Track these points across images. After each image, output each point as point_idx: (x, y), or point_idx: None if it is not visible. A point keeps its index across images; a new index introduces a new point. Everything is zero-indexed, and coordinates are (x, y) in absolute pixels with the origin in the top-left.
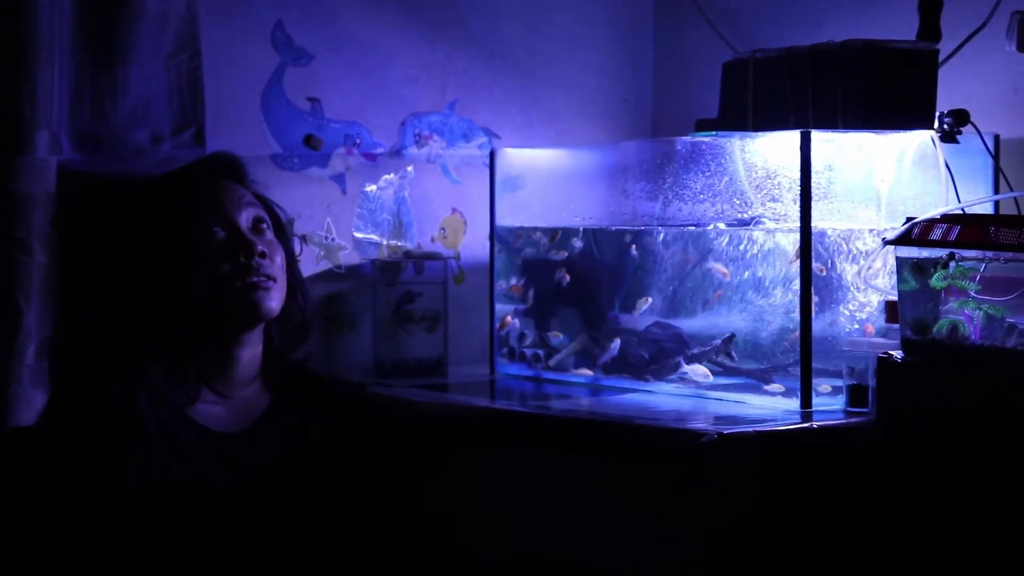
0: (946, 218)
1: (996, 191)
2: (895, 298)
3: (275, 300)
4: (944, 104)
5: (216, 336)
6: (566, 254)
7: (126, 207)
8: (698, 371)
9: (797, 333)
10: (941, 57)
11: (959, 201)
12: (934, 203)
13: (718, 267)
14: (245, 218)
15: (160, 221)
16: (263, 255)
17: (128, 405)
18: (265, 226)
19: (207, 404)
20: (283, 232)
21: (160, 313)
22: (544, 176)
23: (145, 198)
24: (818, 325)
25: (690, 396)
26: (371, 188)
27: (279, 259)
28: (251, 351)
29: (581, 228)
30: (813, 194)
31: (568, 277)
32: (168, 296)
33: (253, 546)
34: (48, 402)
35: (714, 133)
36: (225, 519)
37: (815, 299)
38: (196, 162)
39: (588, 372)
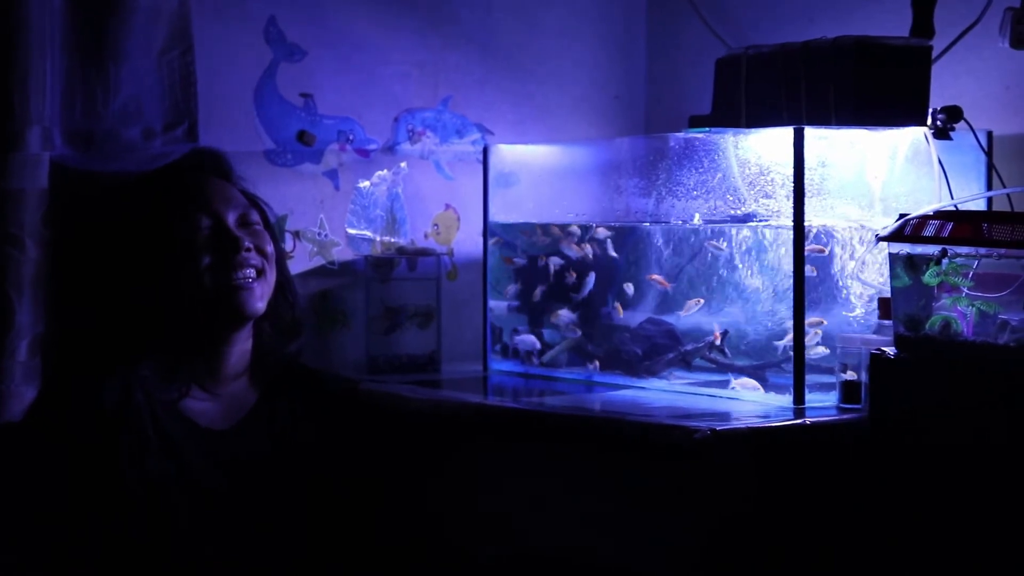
0: (939, 214)
1: (989, 187)
2: (888, 294)
3: (260, 299)
4: (937, 100)
5: (205, 334)
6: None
7: (115, 204)
8: (747, 384)
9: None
10: (934, 53)
11: (952, 197)
12: (927, 199)
13: (657, 278)
14: (233, 214)
15: (147, 218)
16: (250, 249)
17: (125, 401)
18: (253, 220)
19: (196, 400)
20: (272, 229)
21: (150, 310)
22: (537, 172)
23: (132, 195)
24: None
25: (683, 392)
26: (364, 184)
27: (269, 248)
28: (240, 347)
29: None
30: (806, 191)
31: (574, 275)
32: (157, 293)
33: (244, 542)
34: (36, 398)
35: (707, 129)
36: (216, 515)
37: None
38: (183, 158)
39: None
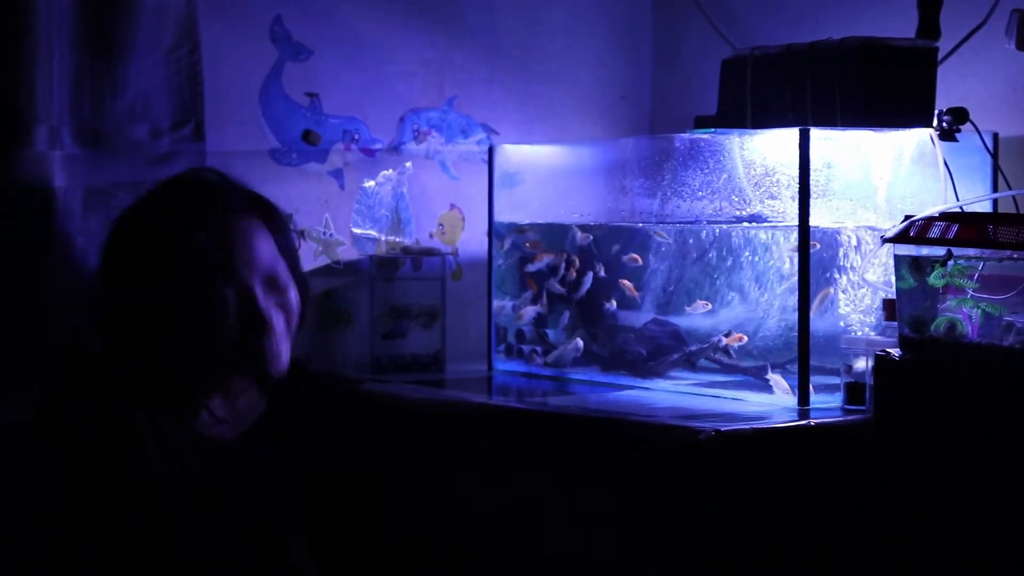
0: (944, 216)
1: (995, 189)
2: (893, 296)
3: (286, 355)
4: (943, 102)
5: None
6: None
7: (125, 230)
8: (780, 383)
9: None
10: (940, 55)
11: (957, 199)
12: (933, 201)
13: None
14: (259, 279)
15: (166, 265)
16: (277, 320)
17: (122, 411)
18: (279, 274)
19: (204, 411)
20: (292, 251)
21: (162, 353)
22: (542, 172)
23: (145, 228)
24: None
25: (687, 393)
26: (369, 184)
27: (292, 295)
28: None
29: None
30: (812, 192)
31: (573, 274)
32: (180, 350)
33: (246, 544)
34: (42, 403)
35: (713, 130)
36: (219, 519)
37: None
38: (192, 190)
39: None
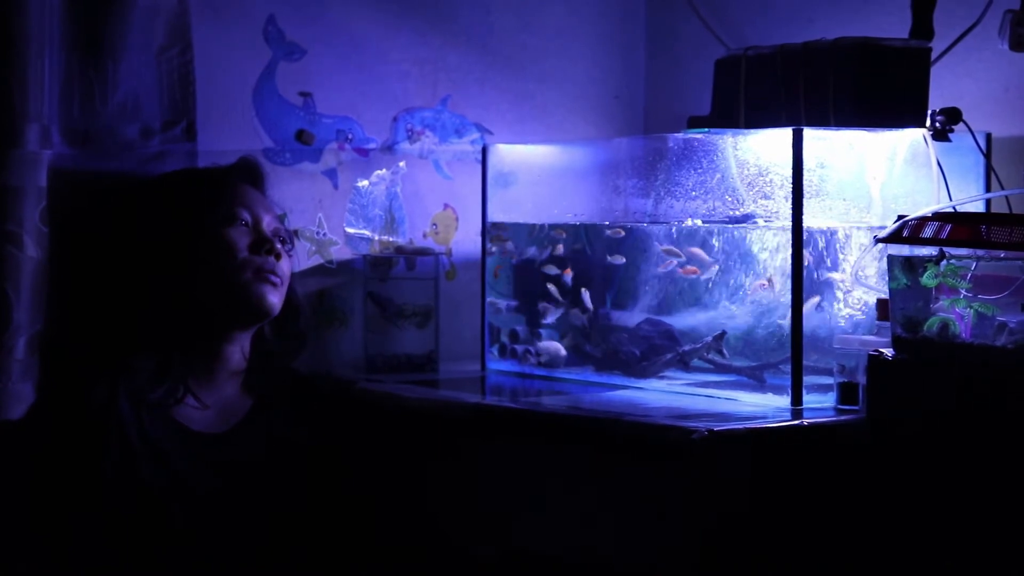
0: (937, 216)
1: (987, 189)
2: (886, 296)
3: (278, 298)
4: (936, 102)
5: (213, 328)
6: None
7: (133, 200)
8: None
9: None
10: (933, 55)
11: (950, 199)
12: (926, 201)
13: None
14: (268, 221)
15: (183, 210)
16: (279, 256)
17: (108, 409)
18: (284, 237)
19: (190, 408)
20: (293, 248)
21: (157, 305)
22: (536, 172)
23: (164, 190)
24: None
25: (681, 393)
26: (363, 183)
27: (286, 267)
28: (240, 348)
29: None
30: (805, 192)
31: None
32: (173, 284)
33: (241, 546)
34: (35, 401)
35: (706, 130)
36: (211, 519)
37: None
38: (222, 166)
39: None
